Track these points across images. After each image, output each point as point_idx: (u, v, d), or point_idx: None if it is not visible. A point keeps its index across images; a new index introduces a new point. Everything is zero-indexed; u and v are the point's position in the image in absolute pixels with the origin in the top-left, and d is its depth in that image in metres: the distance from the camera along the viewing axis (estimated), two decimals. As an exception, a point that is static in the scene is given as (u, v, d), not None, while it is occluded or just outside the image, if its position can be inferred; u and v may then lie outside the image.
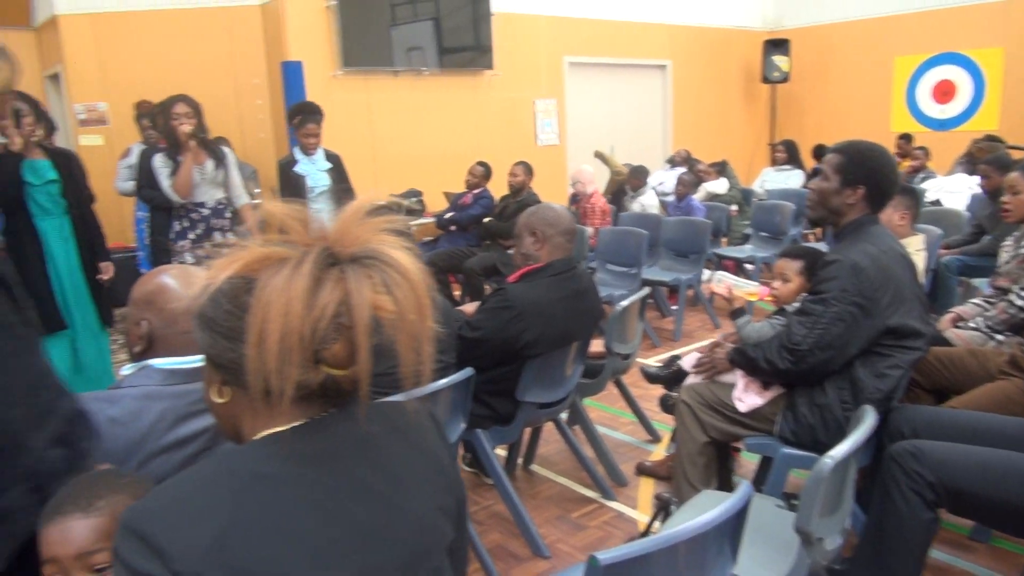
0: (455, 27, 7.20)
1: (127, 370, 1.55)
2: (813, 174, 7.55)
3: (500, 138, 7.53)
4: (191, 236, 4.29)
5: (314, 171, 5.00)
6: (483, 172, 6.00)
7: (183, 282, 1.57)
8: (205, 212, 4.31)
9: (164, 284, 1.57)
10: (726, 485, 2.74)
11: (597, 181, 6.35)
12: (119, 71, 6.34)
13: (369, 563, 0.84)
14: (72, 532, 1.01)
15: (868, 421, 1.82)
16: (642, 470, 3.26)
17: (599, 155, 7.59)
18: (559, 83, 8.15)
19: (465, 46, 7.32)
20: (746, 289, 2.68)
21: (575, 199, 6.30)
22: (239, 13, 6.51)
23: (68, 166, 3.84)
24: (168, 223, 4.35)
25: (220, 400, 0.89)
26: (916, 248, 3.39)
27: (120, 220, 6.12)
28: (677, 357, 2.92)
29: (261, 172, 6.57)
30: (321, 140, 4.95)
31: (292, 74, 6.22)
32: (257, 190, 6.08)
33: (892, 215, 3.42)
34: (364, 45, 6.60)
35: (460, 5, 7.16)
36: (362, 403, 0.87)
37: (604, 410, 3.94)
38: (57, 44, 6.40)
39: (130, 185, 5.69)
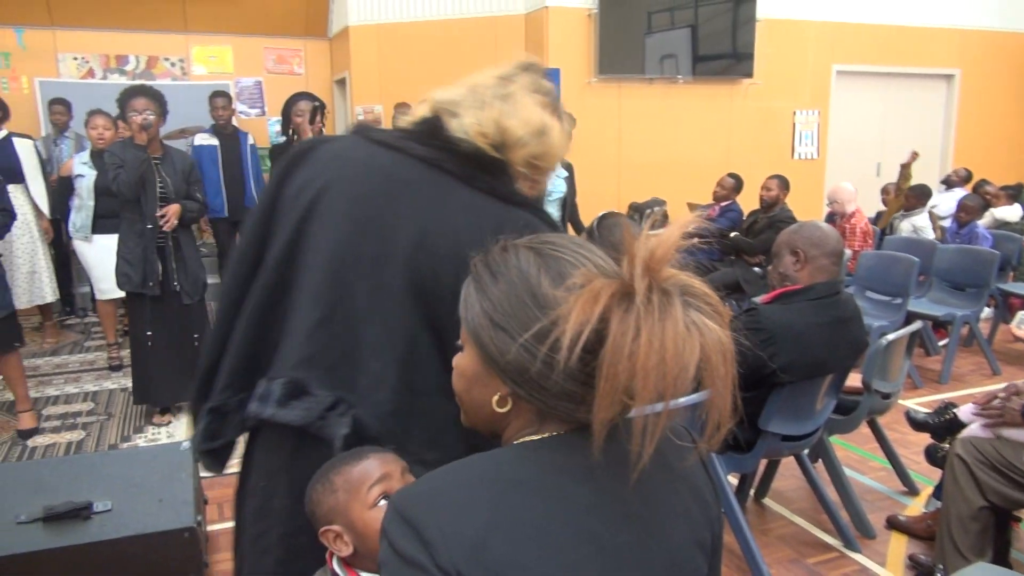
0: (713, 34, 6.99)
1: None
2: None
3: (753, 150, 7.19)
4: None
5: (552, 176, 5.12)
6: (733, 184, 5.76)
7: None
8: None
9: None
10: (1002, 559, 2.37)
11: (859, 200, 5.81)
12: (394, 76, 6.92)
13: None
14: (389, 456, 1.19)
15: None
16: (894, 524, 2.92)
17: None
18: (824, 93, 7.60)
19: (722, 54, 7.08)
20: (1055, 336, 2.28)
21: (831, 218, 5.84)
22: (504, 22, 6.82)
23: None
24: None
25: (501, 410, 0.86)
26: None
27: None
28: (952, 405, 2.57)
29: (512, 174, 6.83)
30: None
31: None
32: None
33: None
34: (619, 53, 6.63)
35: (721, 12, 6.94)
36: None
37: (853, 451, 3.59)
38: (346, 52, 7.14)
39: None
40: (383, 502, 1.16)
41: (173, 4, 7.22)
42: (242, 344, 1.29)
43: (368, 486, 1.17)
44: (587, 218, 5.54)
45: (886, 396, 3.01)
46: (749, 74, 7.07)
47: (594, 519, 0.80)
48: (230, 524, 3.18)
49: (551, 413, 0.84)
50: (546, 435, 0.85)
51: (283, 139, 4.24)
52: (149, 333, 3.90)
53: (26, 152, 5.17)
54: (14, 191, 5.06)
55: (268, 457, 1.30)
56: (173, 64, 7.51)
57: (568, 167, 5.14)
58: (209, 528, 2.91)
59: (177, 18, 7.32)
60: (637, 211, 5.98)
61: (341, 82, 7.63)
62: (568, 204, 5.13)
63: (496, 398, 0.85)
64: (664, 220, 6.52)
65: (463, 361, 0.90)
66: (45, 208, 5.29)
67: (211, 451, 1.36)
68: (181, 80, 7.43)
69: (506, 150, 1.22)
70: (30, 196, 5.17)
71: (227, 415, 1.29)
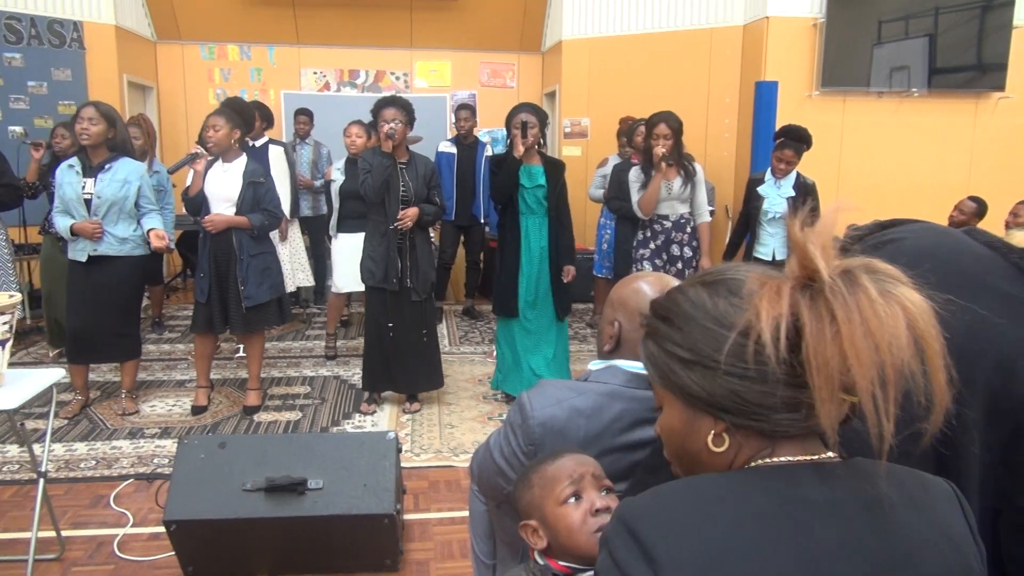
0: (954, 44, 6.32)
1: (595, 366, 1.62)
2: None
3: (1001, 171, 6.41)
4: (651, 246, 4.48)
5: (774, 194, 4.88)
6: (975, 209, 5.16)
7: (659, 289, 1.58)
8: (667, 225, 4.47)
9: (640, 289, 1.60)
10: None
11: None
12: (603, 89, 6.95)
13: None
14: (585, 459, 1.29)
15: None
16: None
17: None
18: (1094, 109, 6.62)
19: (966, 65, 6.38)
20: None
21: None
22: (721, 34, 6.62)
23: (556, 174, 4.30)
24: (632, 232, 4.62)
25: (718, 449, 0.81)
26: None
27: (583, 224, 6.69)
28: None
29: (719, 190, 6.60)
30: (795, 167, 4.80)
31: (766, 94, 6.10)
32: (711, 208, 6.12)
33: None
34: (844, 65, 6.19)
35: (966, 19, 6.26)
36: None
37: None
38: (558, 65, 7.27)
39: (599, 192, 6.20)
40: (573, 500, 1.23)
41: (401, 22, 7.74)
42: None
43: (562, 484, 1.25)
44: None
45: None
46: (1000, 87, 6.32)
47: (835, 563, 0.72)
48: (424, 515, 3.33)
49: (779, 432, 0.78)
50: (785, 460, 0.78)
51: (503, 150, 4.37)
52: (391, 325, 4.19)
53: (276, 157, 5.79)
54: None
55: None
56: (398, 78, 8.06)
57: (802, 187, 4.86)
58: (405, 517, 3.04)
59: (404, 35, 7.85)
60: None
61: (550, 95, 7.78)
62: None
63: (711, 437, 0.81)
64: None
65: (667, 420, 0.87)
66: (286, 209, 5.87)
67: None
68: (404, 92, 7.93)
69: None
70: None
71: None
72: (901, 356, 0.70)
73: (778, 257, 4.82)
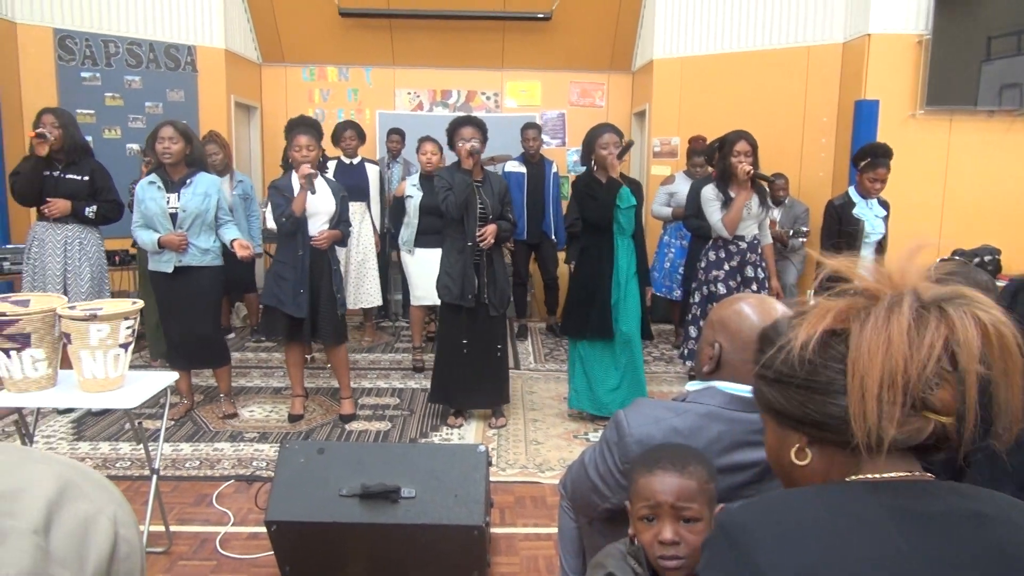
0: (1075, 59, 5.98)
1: (693, 386, 1.61)
2: None
3: (1124, 195, 6.01)
4: (725, 268, 4.41)
5: (871, 216, 4.73)
6: (1094, 235, 4.86)
7: (760, 311, 1.57)
8: (743, 245, 4.40)
9: (741, 311, 1.59)
10: None
11: None
12: (694, 109, 6.88)
13: None
14: (672, 485, 1.30)
15: None
16: None
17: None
18: None
19: (1085, 81, 6.03)
20: None
21: None
22: (819, 52, 6.46)
23: (640, 195, 4.31)
24: (703, 251, 4.56)
25: (801, 463, 0.86)
26: None
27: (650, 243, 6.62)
28: None
29: (814, 211, 6.42)
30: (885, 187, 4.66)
31: (866, 113, 5.92)
32: (805, 228, 5.97)
33: None
34: (951, 82, 5.94)
35: (1089, 32, 5.92)
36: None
37: None
38: (648, 85, 7.25)
39: (666, 211, 6.13)
40: (647, 520, 1.31)
41: (493, 43, 7.88)
42: None
43: (640, 503, 1.32)
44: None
45: None
46: (1124, 105, 5.94)
47: (935, 573, 0.73)
48: (510, 530, 3.35)
49: (854, 443, 0.80)
50: (880, 476, 0.81)
51: (583, 168, 4.38)
52: (465, 341, 4.26)
53: (374, 175, 6.02)
54: (359, 208, 5.87)
55: None
56: (488, 98, 8.20)
57: (886, 205, 4.72)
58: (491, 531, 3.07)
59: (495, 55, 7.98)
60: (964, 259, 5.29)
61: (640, 114, 7.76)
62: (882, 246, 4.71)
63: (794, 450, 0.87)
64: (997, 270, 5.69)
65: (767, 439, 0.94)
66: (378, 224, 6.07)
67: None
68: (494, 112, 8.07)
69: None
70: (370, 213, 5.96)
71: None
72: (913, 382, 0.76)
73: None
